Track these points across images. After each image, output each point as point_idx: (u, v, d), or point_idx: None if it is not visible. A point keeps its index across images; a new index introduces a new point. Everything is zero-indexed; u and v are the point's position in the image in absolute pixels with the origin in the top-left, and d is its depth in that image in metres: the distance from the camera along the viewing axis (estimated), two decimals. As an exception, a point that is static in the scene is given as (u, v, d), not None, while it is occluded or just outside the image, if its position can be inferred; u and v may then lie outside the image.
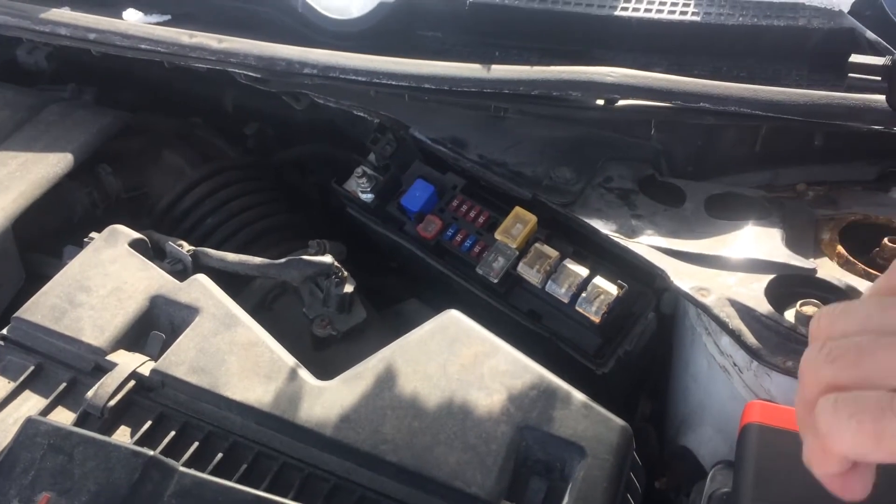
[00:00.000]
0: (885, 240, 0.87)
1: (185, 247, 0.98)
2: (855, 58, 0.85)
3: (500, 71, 1.00)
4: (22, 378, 0.82)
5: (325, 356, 0.97)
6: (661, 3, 1.12)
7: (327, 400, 0.77)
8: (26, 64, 1.37)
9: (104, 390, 0.77)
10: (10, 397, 0.81)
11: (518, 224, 0.95)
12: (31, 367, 0.83)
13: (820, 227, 0.92)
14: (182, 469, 0.65)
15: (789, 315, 0.77)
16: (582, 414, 0.75)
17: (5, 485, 0.63)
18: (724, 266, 0.84)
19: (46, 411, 0.79)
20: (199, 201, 1.21)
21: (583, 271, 0.91)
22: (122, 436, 0.77)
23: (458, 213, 1.02)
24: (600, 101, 1.01)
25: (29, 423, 0.67)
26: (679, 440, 0.96)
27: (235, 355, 0.81)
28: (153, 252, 0.97)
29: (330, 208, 1.35)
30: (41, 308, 0.86)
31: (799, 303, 0.76)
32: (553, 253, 0.93)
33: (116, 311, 0.86)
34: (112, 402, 0.77)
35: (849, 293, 0.79)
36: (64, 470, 0.64)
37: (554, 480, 0.73)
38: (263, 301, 1.02)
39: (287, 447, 0.76)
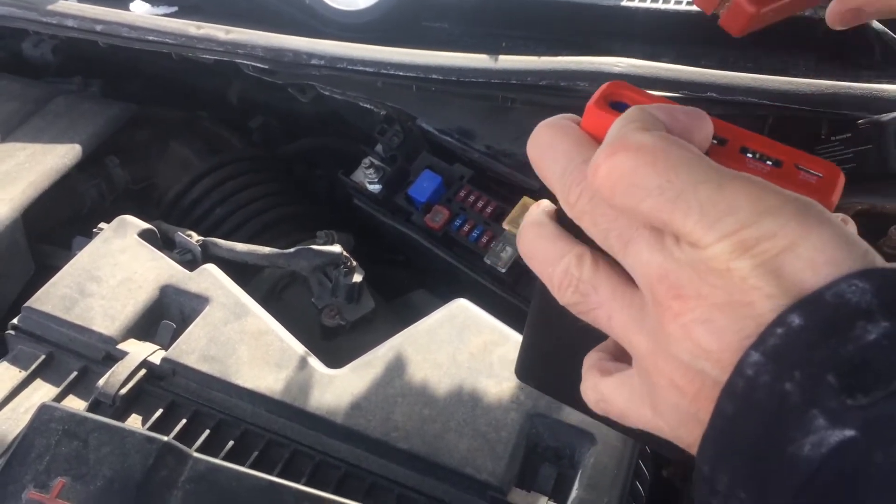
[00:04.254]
0: (893, 228, 0.87)
1: (195, 237, 0.99)
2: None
3: (508, 61, 1.00)
4: (33, 367, 0.82)
5: (333, 346, 0.97)
6: (667, -6, 1.12)
7: (338, 388, 0.78)
8: (32, 57, 1.37)
9: (115, 378, 0.78)
10: (22, 386, 0.81)
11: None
12: (42, 356, 0.83)
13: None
14: (196, 455, 0.66)
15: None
16: (591, 401, 0.75)
17: (20, 470, 0.64)
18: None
19: (58, 399, 0.79)
20: (207, 192, 1.21)
21: (591, 261, 0.91)
22: (134, 424, 0.77)
23: (466, 203, 1.02)
24: (608, 92, 1.01)
25: (43, 409, 0.68)
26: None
27: (246, 344, 0.82)
28: (162, 242, 0.98)
29: (337, 199, 1.35)
30: (52, 298, 0.86)
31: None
32: (561, 243, 0.93)
33: (127, 301, 0.86)
34: (123, 391, 0.77)
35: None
36: (79, 455, 0.64)
37: (564, 467, 0.74)
38: (273, 291, 1.03)
39: (298, 435, 0.76)
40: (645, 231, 0.30)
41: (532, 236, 0.36)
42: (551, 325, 0.41)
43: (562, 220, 0.35)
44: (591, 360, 0.37)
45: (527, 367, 0.45)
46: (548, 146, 0.34)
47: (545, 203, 0.37)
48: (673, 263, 0.29)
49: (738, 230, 0.27)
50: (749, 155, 0.33)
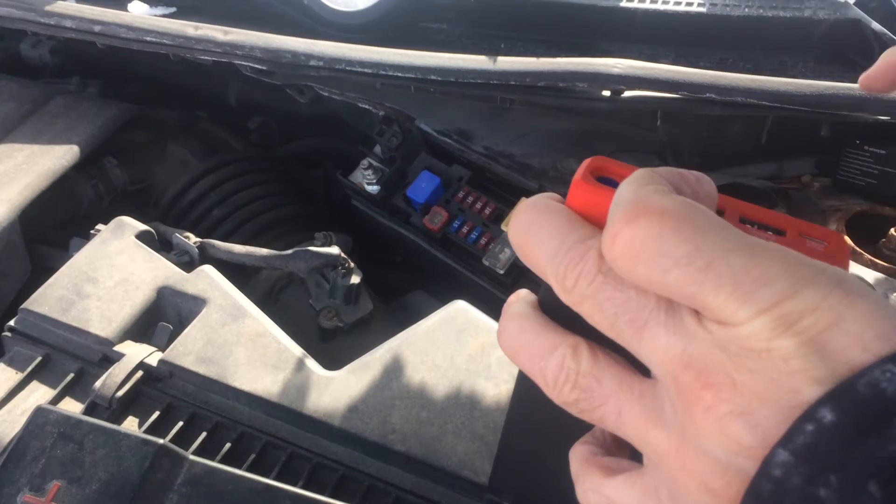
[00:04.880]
0: (893, 230, 0.87)
1: (192, 238, 0.98)
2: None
3: (506, 62, 1.00)
4: (29, 369, 0.82)
5: (331, 347, 0.97)
6: (666, -5, 1.12)
7: (335, 390, 0.78)
8: (30, 58, 1.37)
9: (112, 381, 0.78)
10: (18, 388, 0.81)
11: (524, 215, 0.95)
12: (39, 358, 0.83)
13: (826, 218, 0.92)
14: (192, 457, 0.65)
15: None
16: (589, 404, 0.75)
17: (16, 473, 0.64)
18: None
19: (54, 402, 0.79)
20: (205, 193, 1.21)
21: (589, 262, 0.91)
22: (131, 426, 0.77)
23: (464, 204, 1.02)
24: (606, 93, 1.01)
25: (39, 412, 0.67)
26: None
27: (243, 346, 0.81)
28: (160, 244, 0.97)
29: (335, 201, 1.35)
30: (48, 299, 0.86)
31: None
32: (559, 244, 0.93)
33: (124, 303, 0.86)
34: (120, 393, 0.77)
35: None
36: (74, 458, 0.64)
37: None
38: (270, 292, 1.02)
39: (295, 437, 0.76)
40: (661, 313, 0.27)
41: (516, 330, 0.32)
42: (535, 429, 0.38)
43: (547, 310, 0.32)
44: (581, 454, 0.33)
45: (502, 479, 0.42)
46: (533, 228, 0.31)
47: (524, 293, 0.34)
48: (698, 346, 0.26)
49: (777, 303, 0.24)
50: (748, 225, 0.31)
